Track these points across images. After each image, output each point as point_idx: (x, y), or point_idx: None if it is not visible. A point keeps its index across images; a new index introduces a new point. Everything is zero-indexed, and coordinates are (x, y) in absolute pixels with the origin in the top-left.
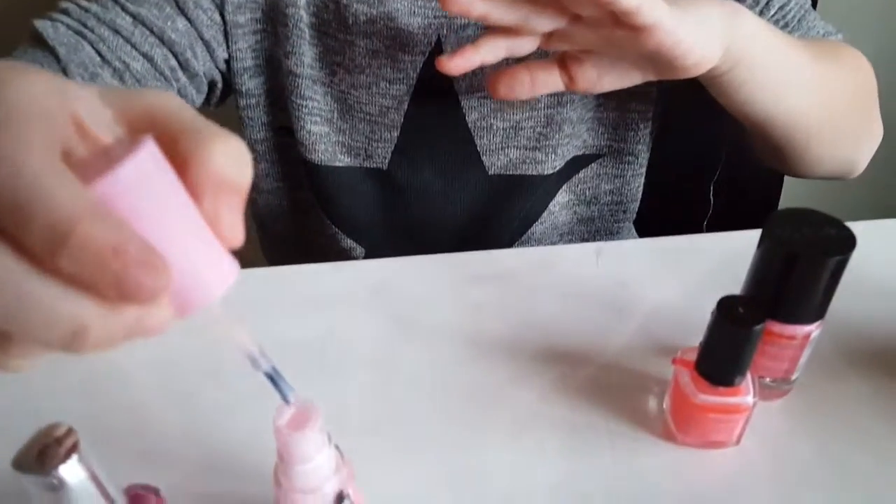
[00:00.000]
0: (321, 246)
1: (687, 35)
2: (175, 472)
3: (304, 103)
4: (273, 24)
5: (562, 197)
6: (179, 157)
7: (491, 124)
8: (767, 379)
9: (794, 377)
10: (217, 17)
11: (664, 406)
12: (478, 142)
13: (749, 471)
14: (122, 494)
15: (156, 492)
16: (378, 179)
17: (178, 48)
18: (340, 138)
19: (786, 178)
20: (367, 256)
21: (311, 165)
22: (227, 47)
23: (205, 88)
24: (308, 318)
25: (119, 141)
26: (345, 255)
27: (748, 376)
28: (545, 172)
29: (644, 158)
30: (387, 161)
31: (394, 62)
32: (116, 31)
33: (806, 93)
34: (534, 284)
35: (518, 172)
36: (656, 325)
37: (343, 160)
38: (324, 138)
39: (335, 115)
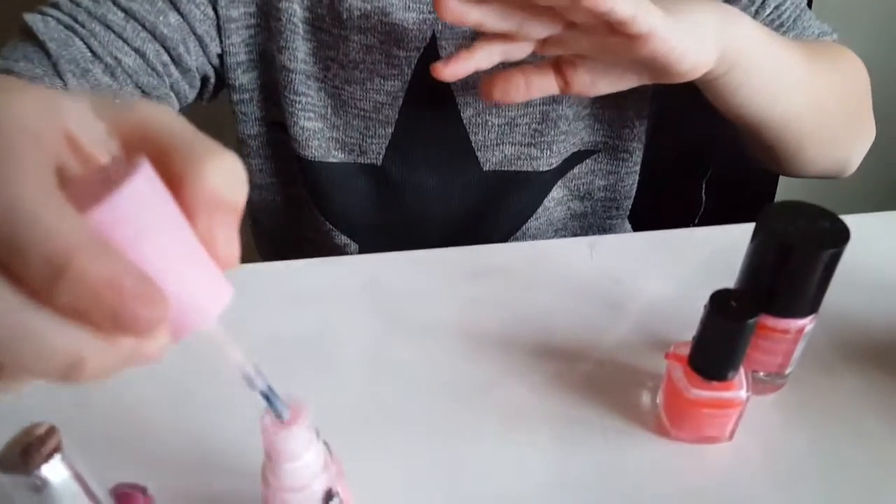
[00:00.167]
0: (315, 242)
1: (681, 41)
2: (162, 470)
3: (298, 99)
4: (266, 19)
5: (556, 193)
6: (173, 175)
7: (486, 120)
8: (761, 373)
9: (787, 371)
10: (210, 12)
11: (657, 401)
12: (473, 138)
13: (742, 466)
14: (108, 494)
15: (143, 491)
16: (372, 175)
17: (171, 43)
18: (334, 134)
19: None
20: (362, 253)
21: (304, 161)
22: (221, 42)
23: (197, 83)
24: (300, 314)
25: (114, 160)
26: (338, 252)
27: (741, 371)
28: (541, 169)
29: (638, 156)
30: (381, 157)
31: (388, 58)
32: (108, 27)
33: (800, 95)
34: (527, 279)
35: (513, 169)
36: (650, 320)
37: (337, 156)
38: (317, 134)
39: (329, 110)
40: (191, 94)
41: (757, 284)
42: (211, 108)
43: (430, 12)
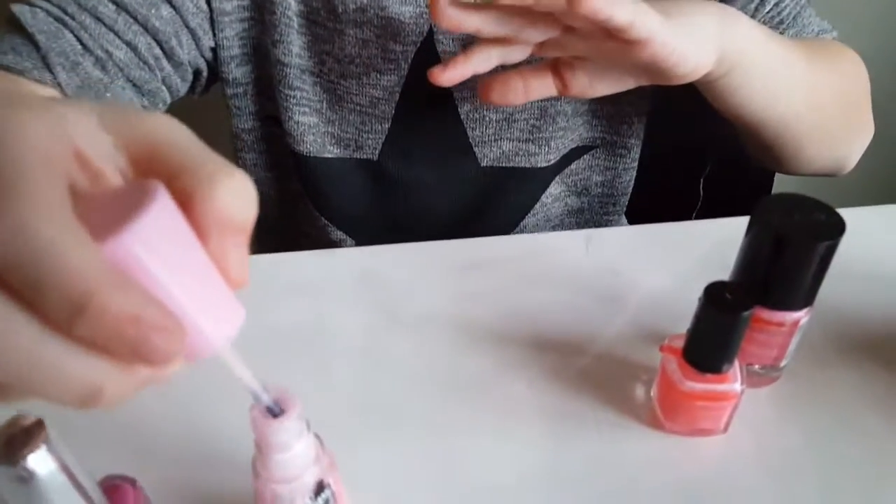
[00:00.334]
0: (311, 237)
1: (680, 45)
2: (152, 462)
3: (293, 93)
4: (260, 12)
5: (554, 189)
6: (182, 192)
7: (484, 115)
8: (756, 366)
9: (782, 364)
10: (203, 5)
11: (651, 394)
12: (470, 133)
13: (737, 458)
14: (97, 486)
15: (133, 483)
16: (368, 171)
17: (163, 36)
18: (330, 129)
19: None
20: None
21: (299, 157)
22: (214, 35)
23: (189, 77)
24: (295, 306)
25: (128, 183)
26: (335, 247)
27: (736, 363)
28: (539, 165)
29: (636, 152)
30: (377, 152)
31: (384, 52)
32: (98, 19)
33: (799, 96)
34: (522, 272)
35: (511, 165)
36: (645, 312)
37: (332, 151)
38: (312, 129)
39: (324, 105)
40: (182, 88)
41: (752, 277)
42: (205, 101)
43: (426, 6)
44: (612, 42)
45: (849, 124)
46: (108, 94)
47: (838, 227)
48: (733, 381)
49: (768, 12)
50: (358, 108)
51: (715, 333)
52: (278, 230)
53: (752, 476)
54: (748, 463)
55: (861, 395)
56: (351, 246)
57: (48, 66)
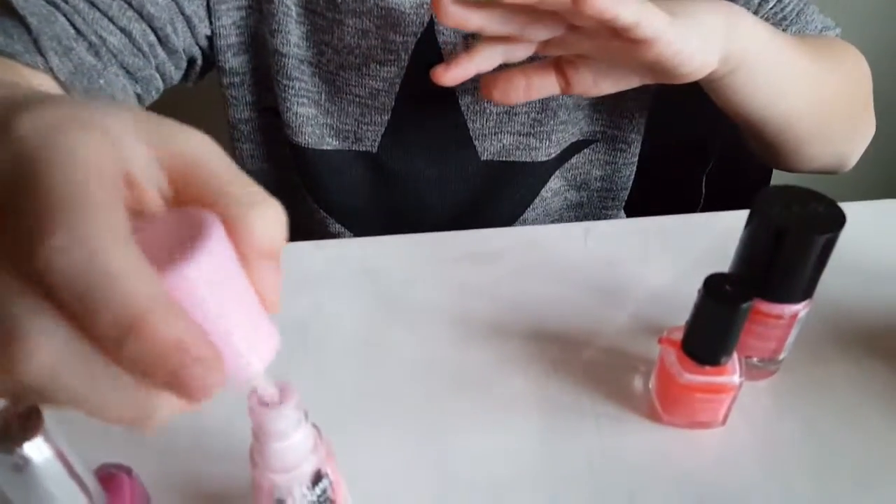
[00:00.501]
0: (309, 230)
1: (686, 44)
2: (148, 451)
3: (291, 84)
4: (258, 1)
5: (554, 183)
6: (221, 218)
7: (484, 108)
8: (754, 359)
9: (781, 357)
10: None
11: (650, 386)
12: (471, 126)
13: (735, 451)
14: (92, 474)
15: (128, 472)
16: (367, 163)
17: (158, 23)
18: (328, 121)
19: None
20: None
21: (297, 148)
22: (210, 24)
23: (184, 65)
24: (293, 297)
25: (182, 212)
26: (334, 238)
27: (734, 356)
28: (539, 159)
29: (636, 147)
30: (376, 145)
31: (384, 43)
32: (93, 4)
33: (802, 94)
34: (521, 264)
35: (511, 159)
36: (643, 305)
37: (331, 143)
38: (311, 120)
39: (323, 96)
40: (176, 76)
41: (751, 269)
42: (201, 90)
43: None
44: (618, 41)
45: (851, 122)
46: (102, 81)
47: (838, 220)
48: (732, 373)
49: (771, 8)
50: (357, 99)
51: (714, 325)
52: None
53: (749, 469)
54: (746, 456)
55: (859, 389)
56: (350, 238)
57: (40, 51)
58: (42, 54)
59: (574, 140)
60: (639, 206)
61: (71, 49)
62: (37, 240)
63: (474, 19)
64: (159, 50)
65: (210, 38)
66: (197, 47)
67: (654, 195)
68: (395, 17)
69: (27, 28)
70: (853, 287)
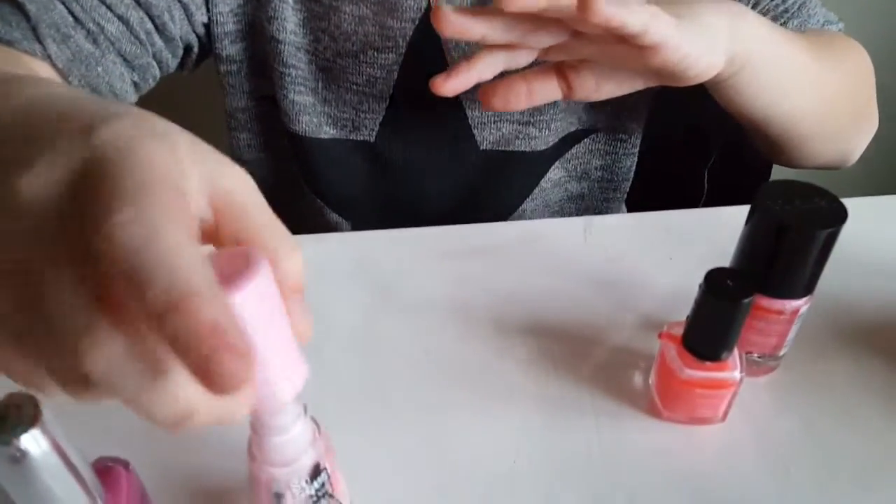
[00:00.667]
0: (306, 221)
1: (692, 49)
2: (146, 444)
3: (287, 71)
4: None
5: (553, 174)
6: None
7: None
8: (755, 354)
9: (781, 353)
10: None
11: (650, 381)
12: (469, 114)
13: (735, 447)
14: (90, 467)
15: (125, 465)
16: (365, 153)
17: (156, 11)
18: (326, 109)
19: None
20: (354, 230)
21: (295, 136)
22: (207, 11)
23: (180, 53)
24: None
25: (233, 249)
26: (331, 230)
27: (735, 351)
28: (538, 149)
29: (637, 138)
30: (374, 133)
31: (382, 29)
32: None
33: (806, 93)
34: (520, 259)
35: (510, 148)
36: (643, 300)
37: (328, 132)
38: (308, 108)
39: (320, 84)
40: (173, 64)
41: (753, 264)
42: (198, 78)
43: None
44: (622, 46)
45: (854, 118)
46: (99, 69)
47: (840, 215)
48: (733, 368)
49: (772, 0)
50: (354, 87)
51: (715, 321)
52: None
53: (749, 464)
54: (746, 451)
55: (859, 385)
56: (347, 229)
57: (38, 38)
58: (40, 42)
59: (573, 129)
60: (640, 200)
61: (69, 37)
62: (103, 217)
63: (476, 28)
64: (156, 38)
65: (207, 26)
66: (193, 35)
67: (656, 190)
68: (393, 2)
69: (26, 15)
70: (854, 283)
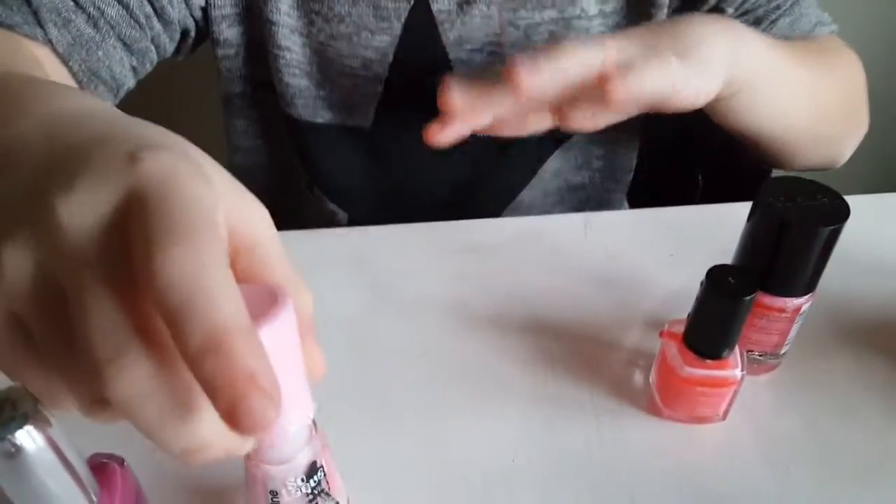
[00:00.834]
0: (302, 212)
1: (694, 87)
2: (141, 441)
3: (282, 54)
4: None
5: (553, 163)
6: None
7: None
8: (756, 353)
9: (782, 351)
10: None
11: (650, 380)
12: None
13: (735, 445)
14: (85, 463)
15: (120, 462)
16: (361, 139)
17: None
18: (321, 93)
19: None
20: (351, 222)
21: (291, 120)
22: None
23: (177, 37)
24: None
25: (258, 285)
26: (327, 221)
27: (736, 350)
28: (537, 136)
29: (638, 126)
30: (370, 119)
31: (376, 10)
32: None
33: (800, 108)
34: (519, 255)
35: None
36: (644, 298)
37: (324, 116)
38: (304, 92)
39: (314, 68)
40: (170, 49)
41: (754, 261)
42: (194, 63)
43: None
44: None
45: (845, 124)
46: (100, 53)
47: (842, 212)
48: (734, 367)
49: None
50: (349, 70)
51: (716, 318)
52: (268, 203)
53: (750, 463)
54: (747, 450)
55: (860, 383)
56: (343, 219)
57: (39, 22)
58: (41, 26)
59: None
60: (640, 198)
61: (70, 21)
62: (157, 249)
63: (470, 128)
64: (155, 21)
65: (204, 9)
66: (191, 18)
67: (655, 187)
68: None
69: (27, 0)
70: (856, 281)
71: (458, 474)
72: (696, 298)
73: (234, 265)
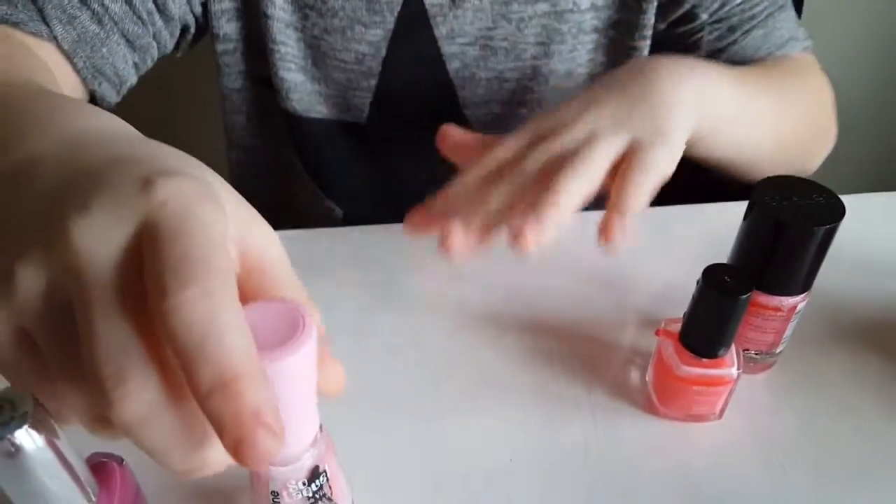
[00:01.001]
0: (299, 208)
1: (668, 170)
2: None
3: (277, 48)
4: None
5: None
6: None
7: (473, 73)
8: (752, 351)
9: (778, 350)
10: None
11: (647, 378)
12: (460, 94)
13: (732, 444)
14: (84, 463)
15: (119, 461)
16: (356, 135)
17: None
18: (316, 87)
19: None
20: (346, 218)
21: (289, 114)
22: None
23: (177, 33)
24: None
25: (280, 301)
26: (323, 217)
27: (732, 348)
28: None
29: None
30: (365, 114)
31: (369, 4)
32: None
33: (767, 137)
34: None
35: (502, 129)
36: (641, 296)
37: (320, 111)
38: (300, 87)
39: (309, 62)
40: (170, 45)
41: (750, 260)
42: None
43: None
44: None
45: (813, 143)
46: (104, 49)
47: (838, 212)
48: (730, 365)
49: (739, 4)
50: (343, 64)
51: (713, 317)
52: (266, 199)
53: (746, 461)
54: (743, 448)
55: (856, 382)
56: (339, 216)
57: (44, 19)
58: (46, 23)
59: None
60: None
61: (75, 17)
62: (172, 288)
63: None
64: (157, 17)
65: (204, 5)
66: (191, 14)
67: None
68: None
69: None
70: (852, 280)
71: (457, 471)
72: (693, 297)
73: (244, 285)
